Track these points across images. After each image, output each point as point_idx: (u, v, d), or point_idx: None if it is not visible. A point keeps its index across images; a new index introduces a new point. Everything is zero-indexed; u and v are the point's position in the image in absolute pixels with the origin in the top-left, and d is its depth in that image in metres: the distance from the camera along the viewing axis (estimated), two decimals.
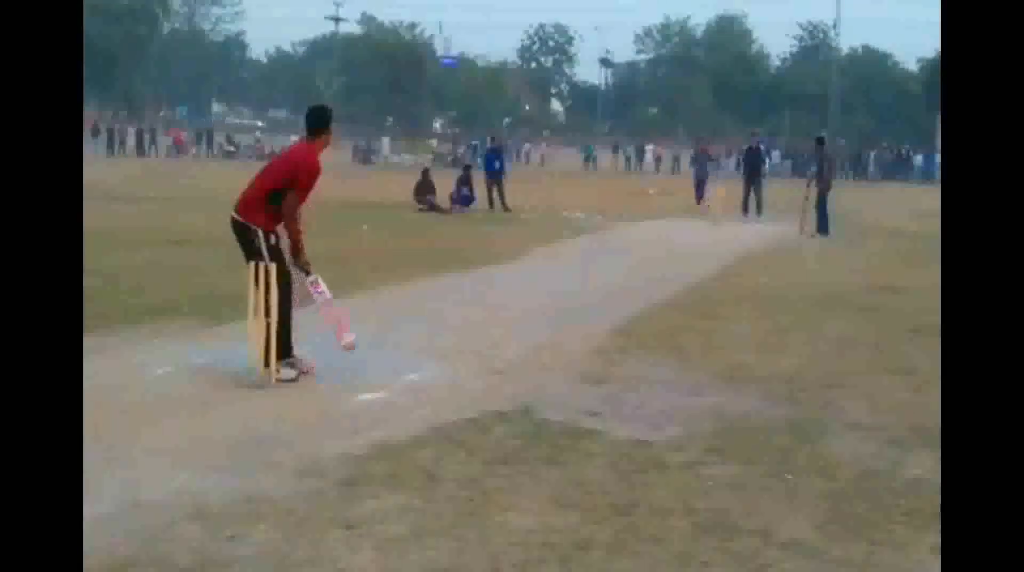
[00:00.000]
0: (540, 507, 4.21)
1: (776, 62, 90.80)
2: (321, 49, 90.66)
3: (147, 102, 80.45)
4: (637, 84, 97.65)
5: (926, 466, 4.82)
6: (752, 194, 21.62)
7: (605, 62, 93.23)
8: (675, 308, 9.49)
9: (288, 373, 6.24)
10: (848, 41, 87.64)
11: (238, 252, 6.46)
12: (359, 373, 6.45)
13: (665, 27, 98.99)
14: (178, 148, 54.64)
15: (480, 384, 6.36)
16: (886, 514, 4.24)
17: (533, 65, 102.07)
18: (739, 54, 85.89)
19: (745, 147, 24.23)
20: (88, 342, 4.77)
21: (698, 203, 23.38)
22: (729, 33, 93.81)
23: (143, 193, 22.88)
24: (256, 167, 7.46)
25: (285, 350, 6.30)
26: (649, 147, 60.81)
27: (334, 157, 26.04)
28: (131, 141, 52.89)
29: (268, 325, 6.11)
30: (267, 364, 6.14)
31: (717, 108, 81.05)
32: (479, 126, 75.96)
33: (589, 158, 58.42)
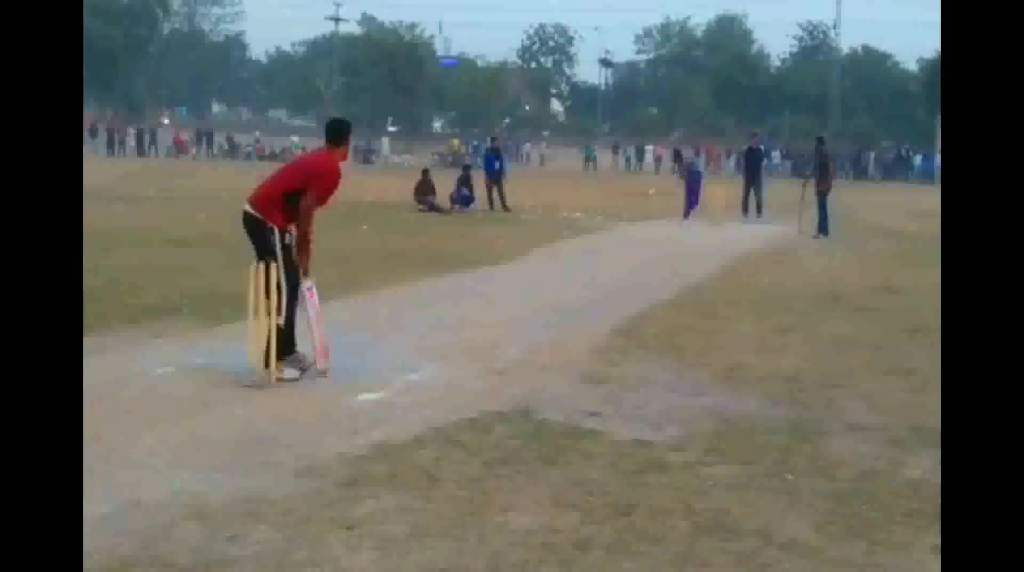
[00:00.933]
0: (540, 507, 4.21)
1: (776, 62, 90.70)
2: (321, 49, 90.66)
3: (147, 102, 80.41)
4: (637, 84, 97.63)
5: (926, 466, 4.82)
6: (752, 194, 21.61)
7: (605, 62, 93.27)
8: (675, 308, 9.49)
9: (291, 373, 6.25)
10: (848, 41, 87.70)
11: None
12: (359, 373, 6.45)
13: (665, 27, 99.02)
14: (178, 148, 54.67)
15: (480, 384, 6.35)
16: (886, 514, 4.24)
17: (533, 65, 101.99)
18: (739, 54, 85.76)
19: (745, 147, 24.20)
20: (88, 342, 4.78)
21: (686, 217, 20.63)
22: (729, 33, 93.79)
23: (143, 193, 22.87)
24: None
25: (288, 348, 6.31)
26: (649, 147, 60.79)
27: None
28: (131, 141, 52.93)
29: (269, 325, 6.12)
30: (267, 364, 6.14)
31: (717, 108, 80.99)
32: (479, 126, 75.97)
33: (589, 158, 58.42)
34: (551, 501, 4.29)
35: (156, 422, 5.31)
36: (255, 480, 4.43)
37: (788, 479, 4.67)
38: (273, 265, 6.19)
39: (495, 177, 22.26)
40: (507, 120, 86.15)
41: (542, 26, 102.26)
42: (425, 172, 22.37)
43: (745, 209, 21.51)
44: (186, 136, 58.05)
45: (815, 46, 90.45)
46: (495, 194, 21.99)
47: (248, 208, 6.44)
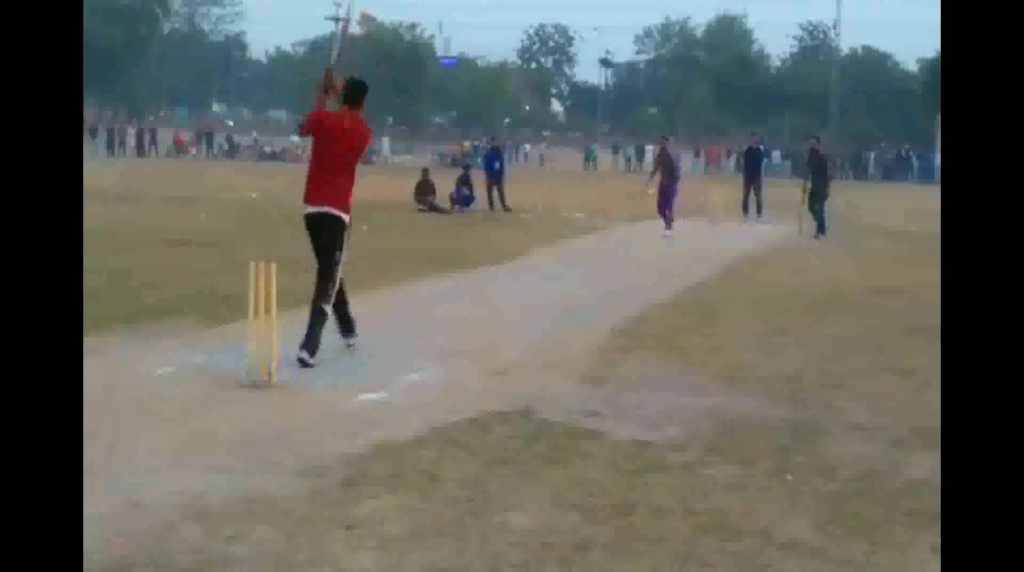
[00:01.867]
0: (540, 507, 4.21)
1: (776, 62, 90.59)
2: (321, 49, 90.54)
3: (147, 102, 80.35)
4: (637, 84, 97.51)
5: (926, 467, 4.82)
6: (752, 194, 21.61)
7: (605, 62, 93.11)
8: (675, 308, 9.49)
9: (352, 339, 7.01)
10: (848, 41, 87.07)
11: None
12: (359, 373, 6.45)
13: (665, 27, 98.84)
14: (178, 148, 54.65)
15: (480, 384, 6.35)
16: (886, 514, 4.24)
17: (533, 65, 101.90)
18: (739, 54, 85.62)
19: (745, 147, 24.18)
20: (88, 342, 4.77)
21: (667, 225, 17.15)
22: (729, 33, 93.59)
23: (143, 193, 22.87)
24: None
25: (349, 326, 7.00)
26: (649, 147, 60.75)
27: None
28: (131, 141, 52.92)
29: (317, 309, 6.58)
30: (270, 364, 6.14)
31: (717, 108, 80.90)
32: (479, 126, 75.90)
33: (590, 158, 58.40)
34: (551, 501, 4.29)
35: (156, 422, 5.31)
36: (255, 480, 4.43)
37: (788, 479, 4.67)
38: (333, 258, 6.62)
39: (495, 177, 22.26)
40: (507, 120, 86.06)
41: (542, 26, 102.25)
42: (425, 172, 22.37)
43: (745, 209, 21.51)
44: (186, 136, 58.05)
45: (815, 46, 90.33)
46: (495, 194, 21.99)
47: (327, 210, 6.66)
